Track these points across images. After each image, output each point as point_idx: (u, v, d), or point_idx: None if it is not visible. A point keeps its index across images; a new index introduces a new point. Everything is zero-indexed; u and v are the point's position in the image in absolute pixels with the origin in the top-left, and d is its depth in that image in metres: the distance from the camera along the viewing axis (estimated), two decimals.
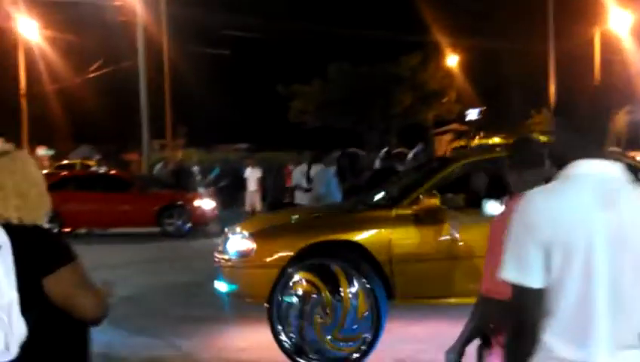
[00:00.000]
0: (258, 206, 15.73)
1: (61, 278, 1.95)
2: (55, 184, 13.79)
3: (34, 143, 30.93)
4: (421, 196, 5.51)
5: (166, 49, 23.57)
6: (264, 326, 5.38)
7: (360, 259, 5.27)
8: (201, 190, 15.37)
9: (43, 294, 1.93)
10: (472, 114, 35.20)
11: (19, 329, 1.84)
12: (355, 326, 5.12)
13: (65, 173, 17.68)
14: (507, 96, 30.18)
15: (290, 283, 5.20)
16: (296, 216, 6.35)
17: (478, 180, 5.03)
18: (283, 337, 5.18)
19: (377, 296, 5.10)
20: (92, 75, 27.34)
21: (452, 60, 32.30)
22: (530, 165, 2.54)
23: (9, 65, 27.50)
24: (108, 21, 23.57)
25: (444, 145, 40.67)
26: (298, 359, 5.17)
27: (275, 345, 5.28)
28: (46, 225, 2.08)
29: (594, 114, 1.71)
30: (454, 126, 37.89)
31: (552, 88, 24.99)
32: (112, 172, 16.44)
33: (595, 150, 1.68)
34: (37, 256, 1.94)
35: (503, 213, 2.59)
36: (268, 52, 35.64)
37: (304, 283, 5.18)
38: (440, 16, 28.29)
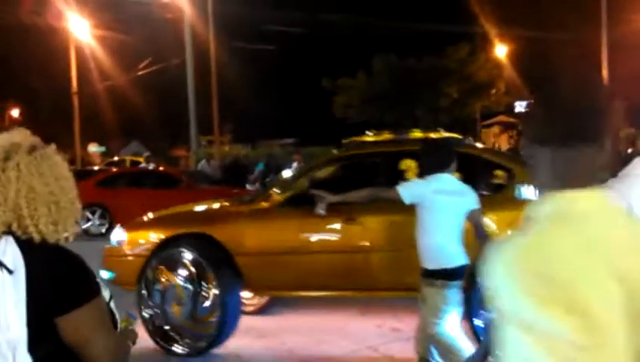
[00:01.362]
0: None
1: (76, 319, 1.67)
2: (105, 181, 14.10)
3: (85, 140, 31.79)
4: (271, 192, 6.01)
5: (212, 46, 23.80)
6: None
7: (212, 251, 5.64)
8: (247, 186, 15.45)
9: (55, 331, 1.67)
10: (521, 106, 34.50)
11: None
12: (208, 312, 5.59)
13: (115, 169, 18.02)
14: (558, 86, 29.40)
15: (153, 273, 5.66)
16: (180, 209, 6.81)
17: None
18: (150, 323, 5.61)
19: (226, 286, 5.50)
20: (141, 73, 27.91)
21: (501, 51, 31.69)
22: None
23: (61, 64, 28.30)
24: (155, 19, 23.96)
25: (491, 137, 40.08)
26: (164, 344, 5.57)
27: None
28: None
29: None
30: (501, 118, 37.29)
31: (605, 77, 24.24)
32: (161, 168, 16.67)
33: None
34: (53, 290, 1.65)
35: None
36: (313, 46, 35.69)
37: (163, 272, 5.67)
38: (489, 5, 27.79)
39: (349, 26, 29.79)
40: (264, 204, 5.83)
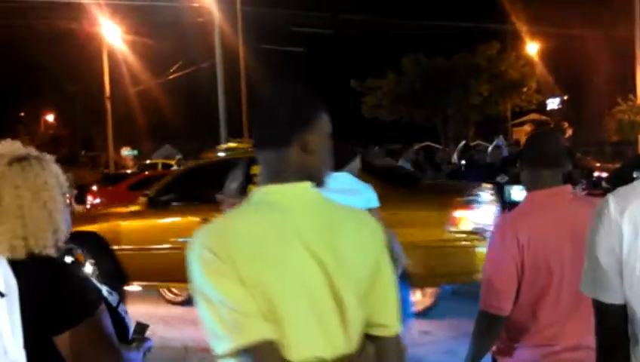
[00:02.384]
0: None
1: (73, 338, 1.58)
2: (138, 184, 14.30)
3: (118, 144, 32.26)
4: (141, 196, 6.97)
5: (241, 48, 23.98)
6: None
7: (96, 247, 6.56)
8: None
9: (54, 349, 1.59)
10: (553, 103, 34.01)
11: None
12: None
13: (147, 173, 18.22)
14: (590, 84, 28.93)
15: None
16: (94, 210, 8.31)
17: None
18: None
19: (110, 277, 6.07)
20: (172, 77, 28.25)
21: (532, 48, 31.25)
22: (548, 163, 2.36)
23: (94, 69, 28.80)
24: (186, 23, 24.23)
25: (523, 136, 39.55)
26: None
27: None
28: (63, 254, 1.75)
29: None
30: (533, 116, 36.74)
31: (639, 75, 23.72)
32: None
33: None
34: (47, 309, 1.58)
35: (505, 221, 2.40)
36: (342, 47, 35.66)
37: None
38: (519, 3, 27.42)
39: (377, 26, 29.69)
40: (137, 206, 6.92)
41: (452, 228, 5.78)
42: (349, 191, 4.04)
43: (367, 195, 4.15)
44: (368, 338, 1.46)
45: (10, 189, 1.64)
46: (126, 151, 33.62)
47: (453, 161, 13.18)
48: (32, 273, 1.59)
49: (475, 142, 21.47)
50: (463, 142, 15.07)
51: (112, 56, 28.05)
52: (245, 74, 24.24)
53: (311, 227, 1.38)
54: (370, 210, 4.04)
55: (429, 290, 6.41)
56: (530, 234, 2.22)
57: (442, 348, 5.63)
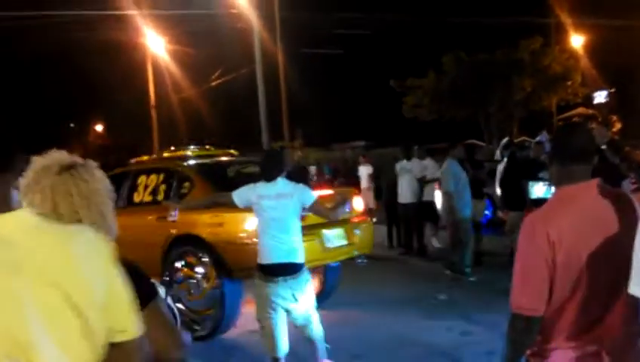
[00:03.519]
0: (372, 203, 15.58)
1: (145, 316, 1.73)
2: None
3: (162, 150, 32.82)
4: None
5: (280, 52, 24.13)
6: None
7: None
8: None
9: None
10: (600, 96, 33.07)
11: None
12: None
13: None
14: (638, 75, 28.02)
15: None
16: None
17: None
18: None
19: None
20: (215, 84, 28.65)
21: (576, 41, 30.49)
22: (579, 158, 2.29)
23: (139, 78, 29.44)
24: (224, 30, 24.53)
25: None
26: None
27: None
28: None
29: None
30: (580, 110, 35.77)
31: None
32: None
33: None
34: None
35: (534, 221, 2.28)
36: (380, 48, 35.49)
37: None
38: None
39: (416, 25, 29.47)
40: None
41: None
42: (286, 195, 4.63)
43: (303, 193, 4.67)
44: (112, 345, 1.55)
45: (65, 196, 1.77)
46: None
47: (496, 157, 12.99)
48: None
49: (519, 139, 21.07)
50: (507, 139, 14.81)
51: (155, 66, 28.63)
52: (284, 78, 24.38)
53: (38, 252, 1.45)
54: (311, 205, 4.70)
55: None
56: (561, 231, 2.16)
57: (483, 349, 5.55)
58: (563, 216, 2.21)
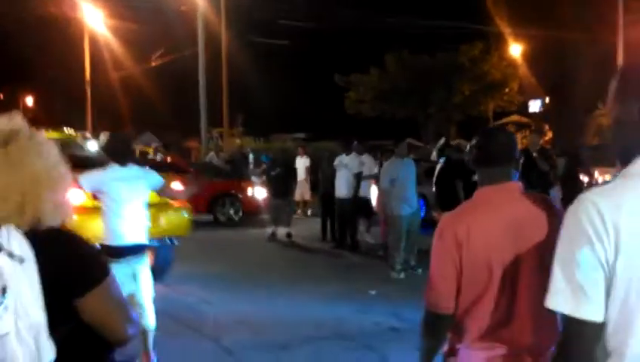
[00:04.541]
0: (307, 196, 15.60)
1: (94, 300, 1.68)
2: None
3: (99, 130, 31.86)
4: None
5: (224, 38, 23.78)
6: None
7: None
8: (254, 179, 15.43)
9: (72, 312, 1.67)
10: (535, 105, 34.18)
11: (47, 354, 1.58)
12: None
13: None
14: (572, 87, 29.10)
15: None
16: None
17: None
18: None
19: None
20: (154, 64, 27.96)
21: (515, 50, 31.38)
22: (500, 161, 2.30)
23: (75, 53, 28.42)
24: (170, 10, 23.96)
25: None
26: None
27: None
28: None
29: None
30: (515, 118, 36.94)
31: None
32: (169, 159, 16.68)
33: None
34: (68, 274, 1.64)
35: (453, 219, 2.29)
36: (326, 42, 35.52)
37: None
38: (503, 4, 27.47)
39: (363, 21, 29.59)
40: None
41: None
42: (135, 178, 4.79)
43: (151, 178, 4.92)
44: None
45: (8, 168, 1.61)
46: (104, 137, 33.19)
47: (432, 158, 13.18)
48: (47, 241, 1.61)
49: (455, 141, 21.47)
50: (443, 140, 15.04)
51: (94, 41, 27.69)
52: (227, 64, 24.04)
53: None
54: (159, 188, 4.99)
55: None
56: (470, 231, 2.16)
57: (410, 345, 5.59)
58: (473, 215, 2.21)
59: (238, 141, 27.07)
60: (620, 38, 24.09)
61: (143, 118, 37.72)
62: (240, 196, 14.49)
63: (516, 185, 2.29)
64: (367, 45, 31.07)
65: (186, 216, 8.09)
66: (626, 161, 1.41)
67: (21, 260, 1.55)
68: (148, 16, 25.89)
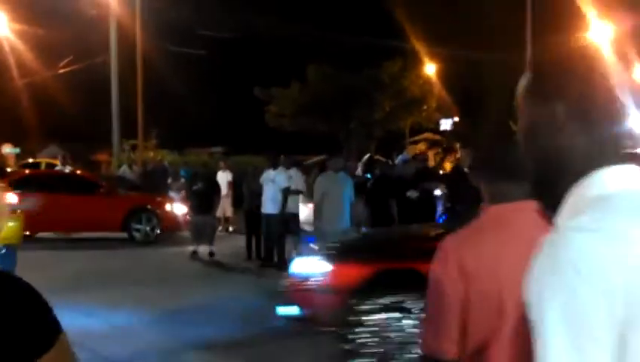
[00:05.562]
0: (229, 212, 15.14)
1: (54, 356, 1.37)
2: (16, 183, 13.00)
3: (1, 141, 29.87)
4: None
5: (139, 46, 22.81)
6: None
7: None
8: (172, 194, 14.72)
9: None
10: (446, 123, 35.02)
11: None
12: None
13: (27, 171, 16.85)
14: (485, 106, 30.04)
15: None
16: None
17: None
18: None
19: None
20: (63, 71, 26.51)
21: (430, 68, 32.09)
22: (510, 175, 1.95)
23: None
24: (80, 15, 22.77)
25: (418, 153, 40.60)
26: None
27: None
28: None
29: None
30: (427, 135, 37.85)
31: None
32: (78, 172, 15.68)
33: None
34: (21, 335, 1.33)
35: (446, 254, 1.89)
36: (246, 53, 35.08)
37: None
38: (419, 23, 27.99)
39: (284, 34, 29.35)
40: None
41: None
42: None
43: None
44: None
45: None
46: (7, 149, 31.22)
47: (357, 173, 12.97)
48: None
49: (375, 157, 21.50)
50: (368, 156, 14.92)
51: None
52: (142, 73, 23.06)
53: None
54: None
55: None
56: (480, 260, 1.77)
57: None
58: (483, 239, 1.84)
59: (152, 154, 26.05)
60: (529, 58, 25.06)
61: (51, 128, 35.85)
62: (157, 212, 13.71)
63: (534, 205, 1.90)
64: (289, 58, 30.90)
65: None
66: (543, 191, 1.25)
67: None
68: (57, 20, 24.51)
